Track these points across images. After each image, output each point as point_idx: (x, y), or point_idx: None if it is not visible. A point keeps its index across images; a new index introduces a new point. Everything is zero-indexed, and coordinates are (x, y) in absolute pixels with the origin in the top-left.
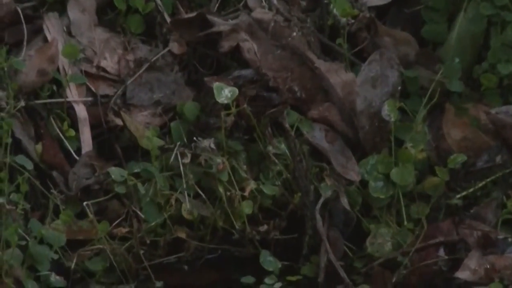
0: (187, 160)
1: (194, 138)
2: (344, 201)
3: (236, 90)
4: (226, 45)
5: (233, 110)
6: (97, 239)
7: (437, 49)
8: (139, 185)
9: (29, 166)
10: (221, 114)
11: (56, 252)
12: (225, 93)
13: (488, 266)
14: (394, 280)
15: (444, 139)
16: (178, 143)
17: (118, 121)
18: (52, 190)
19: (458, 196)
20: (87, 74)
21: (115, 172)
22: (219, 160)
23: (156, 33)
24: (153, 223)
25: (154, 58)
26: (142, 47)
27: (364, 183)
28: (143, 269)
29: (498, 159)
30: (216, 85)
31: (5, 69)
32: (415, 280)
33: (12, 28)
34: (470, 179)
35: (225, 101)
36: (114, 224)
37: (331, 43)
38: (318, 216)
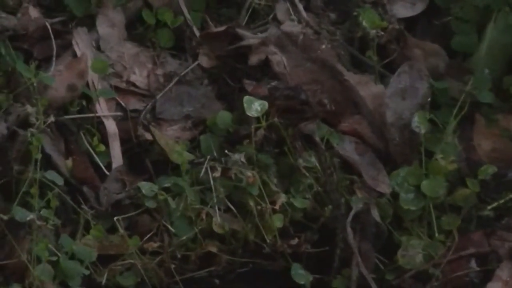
0: (217, 174)
1: (226, 151)
2: (375, 213)
3: (266, 104)
4: (255, 58)
5: (263, 123)
6: (128, 254)
7: (467, 60)
8: (170, 199)
9: (60, 181)
10: (251, 126)
11: (87, 267)
12: (255, 106)
13: None
14: None
15: (474, 150)
16: (208, 157)
17: (148, 136)
18: (83, 205)
19: (489, 207)
20: (116, 88)
21: (146, 187)
22: (249, 173)
23: (186, 47)
24: (184, 238)
25: (184, 72)
26: (172, 61)
27: (395, 195)
28: (175, 283)
29: None
30: (246, 98)
31: (35, 84)
32: None
33: (41, 43)
34: (501, 190)
35: (255, 115)
36: (145, 239)
37: (360, 56)
38: (349, 229)
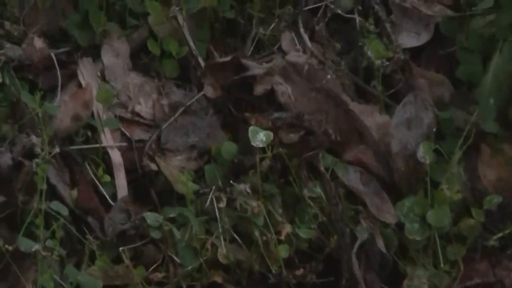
0: (222, 204)
1: (231, 182)
2: (380, 243)
3: (271, 134)
4: (260, 88)
5: (269, 154)
6: (133, 284)
7: (472, 90)
8: (175, 230)
9: (65, 212)
10: (256, 157)
11: None
12: (260, 137)
13: None
14: None
15: (479, 180)
16: (214, 187)
17: (153, 166)
18: (88, 236)
19: (495, 237)
20: (121, 119)
21: (151, 217)
22: (254, 204)
23: (191, 77)
24: (189, 268)
25: (189, 103)
26: (177, 91)
27: (400, 225)
28: None
29: None
30: (251, 128)
31: (40, 114)
32: None
33: (46, 74)
34: (506, 220)
35: (260, 145)
36: (150, 269)
37: (365, 85)
38: (354, 259)
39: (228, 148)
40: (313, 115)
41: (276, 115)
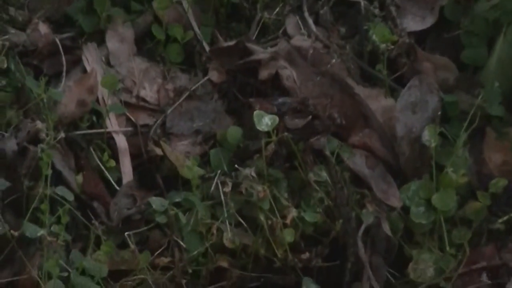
0: (228, 189)
1: (236, 166)
2: (386, 227)
3: (277, 118)
4: (265, 73)
5: (274, 138)
6: (139, 269)
7: (477, 73)
8: (180, 214)
9: (70, 197)
10: (261, 141)
11: (98, 283)
12: (265, 121)
13: None
14: None
15: (485, 164)
16: (219, 171)
17: (158, 151)
18: (93, 221)
19: (500, 220)
20: (126, 104)
21: (156, 202)
22: (260, 188)
23: (195, 62)
24: (194, 253)
25: (194, 87)
26: (182, 76)
27: (405, 209)
28: None
29: None
30: (256, 113)
31: (45, 100)
32: None
33: (50, 59)
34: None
35: (265, 129)
36: (155, 254)
37: (370, 69)
38: (360, 243)
39: (233, 133)
40: (318, 99)
41: (281, 100)
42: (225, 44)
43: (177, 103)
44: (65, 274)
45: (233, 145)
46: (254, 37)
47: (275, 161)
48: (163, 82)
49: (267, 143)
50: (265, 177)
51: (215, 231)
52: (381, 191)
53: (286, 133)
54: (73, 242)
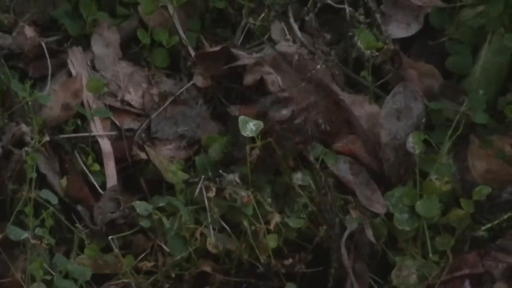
0: (212, 193)
1: (220, 171)
2: (370, 233)
3: (261, 124)
4: (250, 78)
5: (259, 143)
6: (122, 273)
7: (461, 81)
8: (164, 219)
9: (54, 200)
10: (246, 147)
11: (81, 286)
12: (250, 126)
13: None
14: None
15: (469, 171)
16: (203, 176)
17: (143, 155)
18: (77, 225)
19: (483, 228)
20: (111, 108)
21: (140, 206)
22: (244, 193)
23: (181, 66)
24: (178, 257)
25: (179, 92)
26: (167, 80)
27: (389, 215)
28: None
29: None
30: (241, 118)
31: (30, 103)
32: None
33: (36, 62)
34: (495, 211)
35: (250, 135)
36: (139, 258)
37: (355, 76)
38: (343, 249)
39: (217, 146)
40: (303, 105)
41: (262, 99)
42: (210, 49)
43: (162, 107)
44: (49, 277)
45: (217, 153)
46: (239, 43)
47: (260, 167)
48: (148, 87)
49: (252, 148)
50: (249, 182)
51: (198, 236)
52: (365, 197)
53: (269, 139)
54: (57, 245)
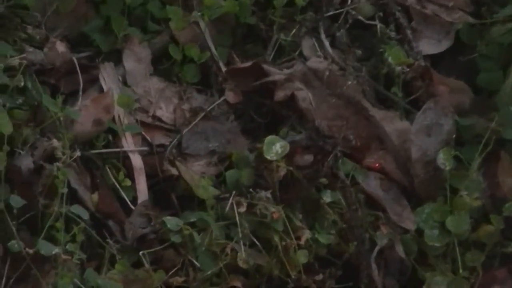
0: (242, 209)
1: (250, 189)
2: (400, 249)
3: (288, 145)
4: (281, 94)
5: (282, 165)
6: None
7: (492, 97)
8: (195, 234)
9: (85, 215)
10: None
11: None
12: (276, 148)
13: None
14: None
15: (499, 187)
16: (234, 192)
17: (174, 171)
18: (108, 240)
19: None
20: (142, 123)
21: (171, 222)
22: (274, 209)
23: (212, 82)
24: (209, 272)
25: (210, 108)
26: (198, 96)
27: (419, 232)
28: None
29: None
30: (267, 139)
31: (61, 118)
32: None
33: (67, 78)
34: None
35: (274, 158)
36: (170, 274)
37: (386, 92)
38: (373, 265)
39: (249, 171)
40: (333, 121)
41: (290, 138)
42: (242, 65)
43: (193, 123)
44: None
45: (249, 177)
46: (270, 59)
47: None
48: (179, 102)
49: (277, 170)
50: (278, 198)
51: (229, 251)
52: (395, 213)
53: (297, 174)
54: (88, 261)
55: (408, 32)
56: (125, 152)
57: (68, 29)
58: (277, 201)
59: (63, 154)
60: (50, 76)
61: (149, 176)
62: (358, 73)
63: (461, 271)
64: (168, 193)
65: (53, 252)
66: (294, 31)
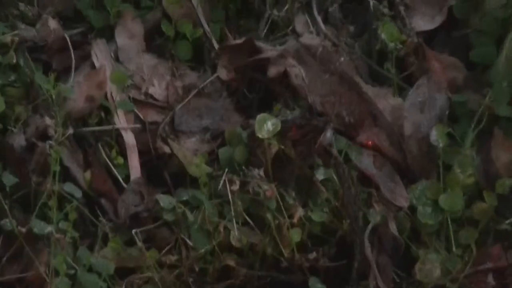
0: (235, 187)
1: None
2: (393, 227)
3: (279, 123)
4: (274, 70)
5: (274, 142)
6: (146, 267)
7: (485, 72)
8: (188, 212)
9: (78, 194)
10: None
11: (105, 280)
12: (267, 126)
13: None
14: None
15: (492, 164)
16: (227, 170)
17: (167, 148)
18: (101, 218)
19: (507, 221)
20: (135, 100)
21: (164, 200)
22: (267, 187)
23: (204, 59)
24: (202, 251)
25: (203, 85)
26: (190, 73)
27: (412, 209)
28: None
29: None
30: (259, 117)
31: (54, 96)
32: None
33: (60, 55)
34: None
35: (266, 136)
36: (163, 252)
37: (379, 68)
38: (367, 243)
39: (242, 148)
40: (326, 98)
41: (282, 117)
42: (234, 42)
43: (186, 100)
44: (72, 271)
45: (242, 154)
46: (263, 35)
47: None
48: (172, 79)
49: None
50: (271, 176)
51: (222, 230)
52: (388, 190)
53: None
54: (81, 239)
55: (401, 8)
56: (117, 129)
57: (60, 5)
58: (270, 179)
59: (56, 131)
60: (43, 53)
61: (141, 154)
62: (351, 49)
63: (454, 248)
64: (161, 170)
65: (46, 231)
66: (287, 7)
